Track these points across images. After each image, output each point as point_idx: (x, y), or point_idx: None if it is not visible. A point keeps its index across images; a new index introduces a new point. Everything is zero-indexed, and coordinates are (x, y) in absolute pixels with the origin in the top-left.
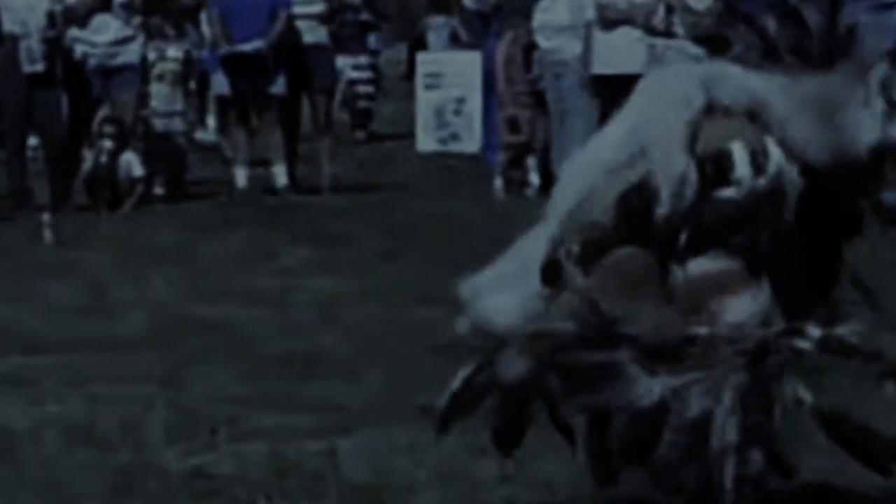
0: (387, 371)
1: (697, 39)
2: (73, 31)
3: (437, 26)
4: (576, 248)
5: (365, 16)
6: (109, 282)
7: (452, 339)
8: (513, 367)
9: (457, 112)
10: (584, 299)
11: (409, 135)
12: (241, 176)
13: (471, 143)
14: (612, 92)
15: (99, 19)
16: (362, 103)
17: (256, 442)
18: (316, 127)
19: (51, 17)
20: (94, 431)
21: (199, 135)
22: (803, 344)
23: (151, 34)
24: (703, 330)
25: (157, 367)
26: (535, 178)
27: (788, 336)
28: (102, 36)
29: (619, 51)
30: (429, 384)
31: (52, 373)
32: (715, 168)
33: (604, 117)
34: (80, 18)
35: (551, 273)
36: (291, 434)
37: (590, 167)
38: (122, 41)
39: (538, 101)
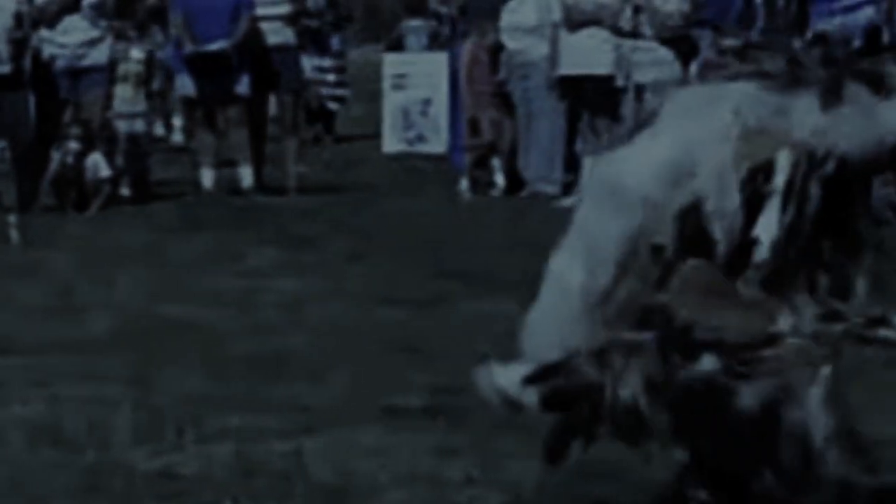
0: (353, 371)
1: (664, 41)
2: (42, 32)
3: (416, 29)
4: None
5: (329, 18)
6: (76, 283)
7: (416, 340)
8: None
9: (423, 113)
10: (658, 310)
11: (376, 136)
12: (207, 177)
13: (437, 144)
14: (578, 93)
15: (67, 20)
16: (325, 105)
17: (223, 442)
18: (282, 128)
19: (18, 18)
20: (61, 432)
21: (159, 132)
22: (889, 333)
23: (117, 36)
24: (785, 327)
25: (124, 368)
26: (500, 180)
27: (872, 326)
28: (71, 37)
29: (585, 52)
30: (395, 385)
31: (18, 373)
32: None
33: (570, 118)
34: (49, 19)
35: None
36: (257, 434)
37: (629, 188)
38: (91, 42)
39: (504, 102)
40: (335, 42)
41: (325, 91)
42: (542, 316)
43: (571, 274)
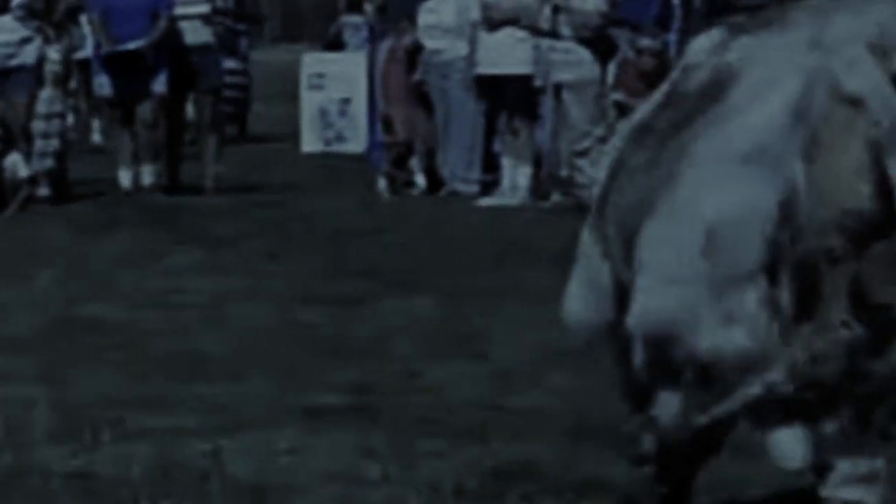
0: (272, 371)
1: (583, 40)
2: None
3: (355, 25)
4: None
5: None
6: None
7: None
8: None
9: (342, 113)
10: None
11: (294, 136)
12: (125, 177)
13: (356, 143)
14: (497, 92)
15: None
16: (229, 107)
17: (140, 442)
18: (201, 127)
19: None
20: None
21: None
22: None
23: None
24: None
25: (41, 368)
26: (420, 179)
27: None
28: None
29: (504, 51)
30: (314, 384)
31: None
32: None
33: (489, 117)
34: None
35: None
36: (176, 434)
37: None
38: (20, 42)
39: (423, 102)
40: (242, 44)
41: (228, 94)
42: (578, 287)
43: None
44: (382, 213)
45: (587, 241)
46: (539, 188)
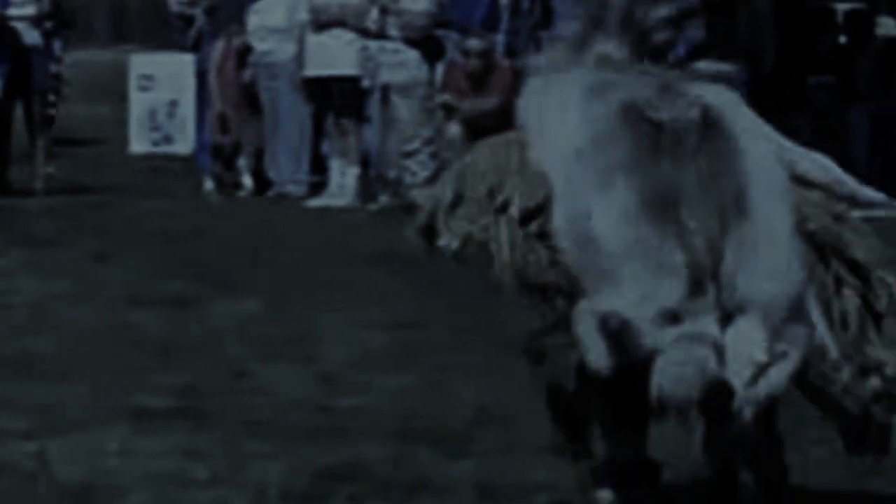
0: (99, 372)
1: (411, 42)
2: None
3: None
4: None
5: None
6: None
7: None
8: None
9: (170, 114)
10: None
11: (123, 137)
12: None
13: (184, 145)
14: (325, 94)
15: None
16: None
17: None
18: (30, 129)
19: None
20: None
21: None
22: None
23: None
24: None
25: None
26: (248, 181)
27: None
28: None
29: (331, 53)
30: (141, 385)
31: None
32: None
33: (317, 119)
34: None
35: None
36: (2, 435)
37: None
38: None
39: (251, 103)
40: (56, 46)
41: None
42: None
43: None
44: (210, 214)
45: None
46: (367, 189)
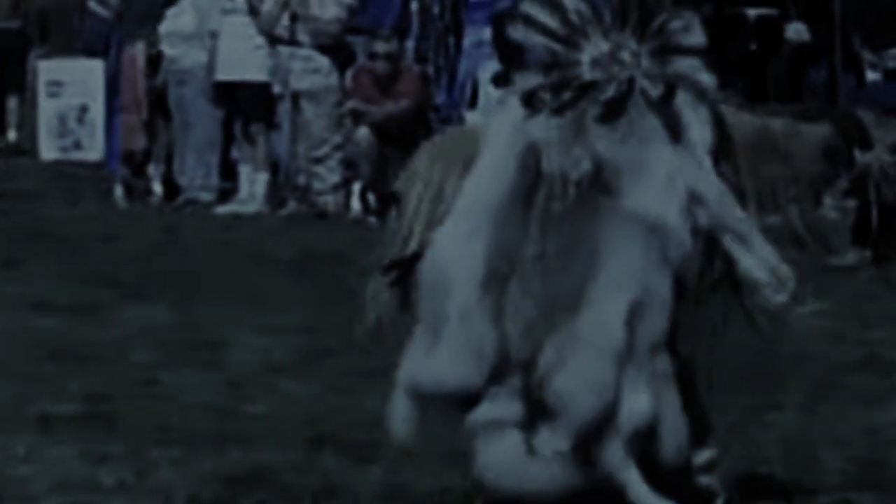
0: (6, 378)
1: (322, 48)
2: None
3: None
4: None
5: None
6: None
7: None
8: None
9: (80, 120)
10: None
11: (32, 143)
12: None
13: (93, 151)
14: (235, 99)
15: None
16: None
17: None
18: None
19: None
20: None
21: None
22: None
23: None
24: None
25: None
26: (157, 187)
27: None
28: None
29: (241, 58)
30: (48, 392)
31: None
32: None
33: (227, 125)
34: None
35: None
36: None
37: None
38: None
39: (162, 109)
40: None
41: None
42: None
43: None
44: (119, 220)
45: (472, 305)
46: (276, 195)
